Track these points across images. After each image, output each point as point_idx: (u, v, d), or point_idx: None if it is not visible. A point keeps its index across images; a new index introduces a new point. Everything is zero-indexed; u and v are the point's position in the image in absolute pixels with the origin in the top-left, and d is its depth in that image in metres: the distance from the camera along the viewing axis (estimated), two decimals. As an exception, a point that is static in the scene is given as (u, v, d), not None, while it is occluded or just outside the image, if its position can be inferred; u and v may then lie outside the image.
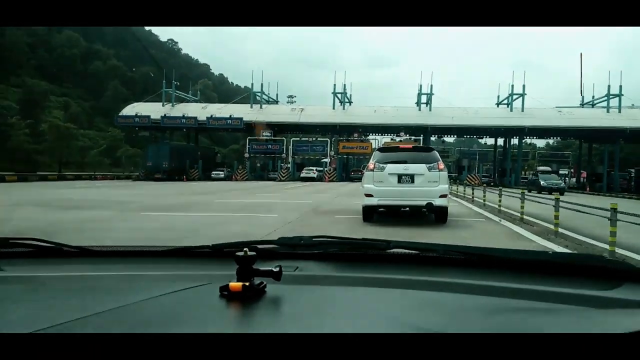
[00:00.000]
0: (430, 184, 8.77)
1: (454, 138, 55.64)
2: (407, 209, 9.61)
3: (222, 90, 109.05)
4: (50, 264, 1.32)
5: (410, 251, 1.33)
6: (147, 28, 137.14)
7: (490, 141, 72.80)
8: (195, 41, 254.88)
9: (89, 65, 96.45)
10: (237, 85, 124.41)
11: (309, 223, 9.45)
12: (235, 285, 0.89)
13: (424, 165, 8.85)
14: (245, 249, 0.95)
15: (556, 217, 8.10)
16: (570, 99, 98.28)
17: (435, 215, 9.27)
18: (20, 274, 1.19)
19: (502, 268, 1.24)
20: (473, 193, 17.58)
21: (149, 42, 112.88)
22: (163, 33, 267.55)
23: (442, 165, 9.01)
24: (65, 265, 1.31)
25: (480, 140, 71.93)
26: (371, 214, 9.17)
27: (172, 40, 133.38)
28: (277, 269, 0.93)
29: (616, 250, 6.07)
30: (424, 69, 55.49)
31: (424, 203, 8.70)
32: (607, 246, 6.28)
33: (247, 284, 0.90)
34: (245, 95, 53.03)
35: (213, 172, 44.78)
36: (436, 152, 9.45)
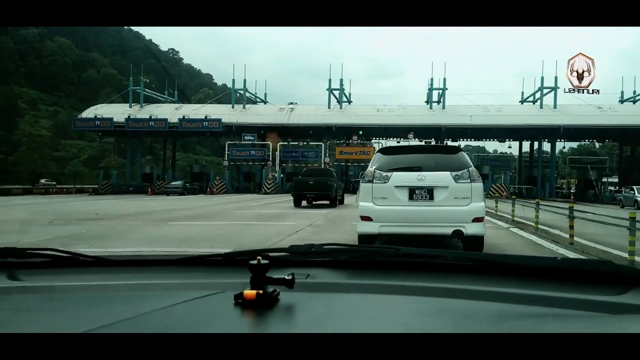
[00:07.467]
0: (458, 201, 5.91)
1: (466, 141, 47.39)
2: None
3: (225, 99, 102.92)
4: (67, 274, 1.34)
5: (420, 259, 1.36)
6: (147, 37, 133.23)
7: (493, 145, 64.30)
8: (198, 52, 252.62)
9: (82, 73, 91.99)
10: (240, 94, 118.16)
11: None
12: (250, 293, 0.92)
13: (448, 173, 5.95)
14: (258, 257, 0.97)
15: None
16: (607, 95, 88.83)
17: (465, 247, 6.11)
18: (38, 284, 1.21)
19: (512, 275, 1.24)
20: (514, 211, 12.94)
21: (149, 51, 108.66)
22: (164, 42, 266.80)
23: (475, 173, 6.00)
24: (82, 275, 1.33)
25: (480, 144, 63.35)
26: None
27: (173, 49, 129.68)
28: (290, 277, 0.96)
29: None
30: (429, 77, 49.34)
31: (450, 231, 5.86)
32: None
33: (260, 291, 0.92)
34: (226, 93, 46.37)
35: (166, 185, 35.90)
36: (464, 154, 6.39)
